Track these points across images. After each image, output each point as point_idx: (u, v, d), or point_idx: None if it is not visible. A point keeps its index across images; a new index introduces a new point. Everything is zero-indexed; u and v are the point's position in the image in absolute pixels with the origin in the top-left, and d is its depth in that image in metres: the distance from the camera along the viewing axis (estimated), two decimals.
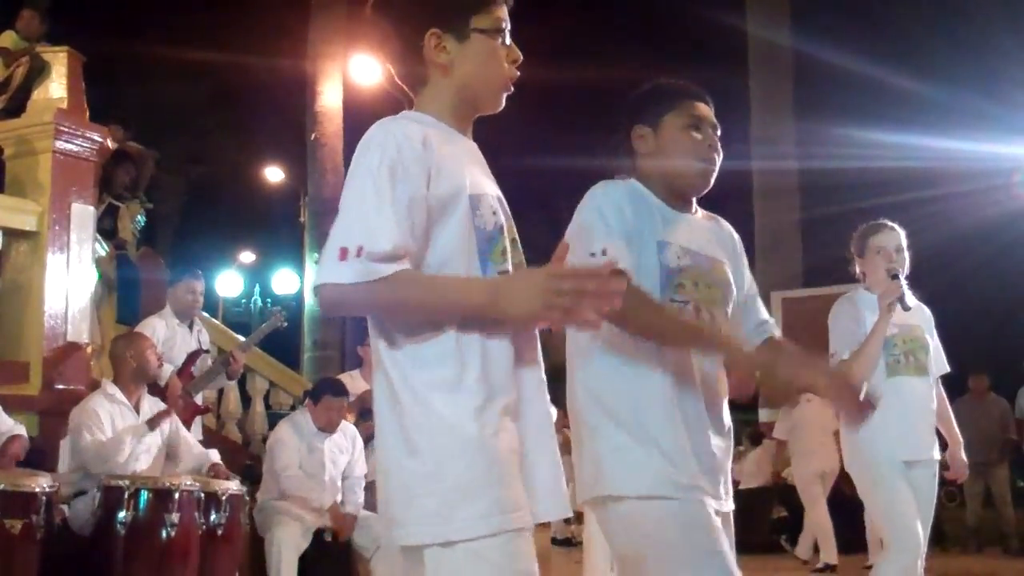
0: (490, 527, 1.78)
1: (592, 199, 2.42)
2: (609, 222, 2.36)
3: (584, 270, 1.84)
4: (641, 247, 2.39)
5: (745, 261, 2.69)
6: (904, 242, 4.13)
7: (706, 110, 2.56)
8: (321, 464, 5.85)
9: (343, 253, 1.78)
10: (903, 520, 3.90)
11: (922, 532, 3.93)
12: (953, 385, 10.25)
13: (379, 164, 1.83)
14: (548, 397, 1.98)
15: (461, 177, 1.89)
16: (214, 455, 5.43)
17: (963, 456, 4.38)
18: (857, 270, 4.24)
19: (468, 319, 1.84)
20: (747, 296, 2.64)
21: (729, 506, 2.46)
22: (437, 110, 1.98)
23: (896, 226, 4.17)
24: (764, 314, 2.68)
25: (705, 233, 2.56)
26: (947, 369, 4.28)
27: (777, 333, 2.63)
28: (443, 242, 1.86)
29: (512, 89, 2.03)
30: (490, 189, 1.97)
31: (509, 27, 2.01)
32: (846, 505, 7.95)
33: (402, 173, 1.82)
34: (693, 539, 2.30)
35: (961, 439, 4.38)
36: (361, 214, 1.81)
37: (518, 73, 2.02)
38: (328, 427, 5.91)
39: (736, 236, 2.69)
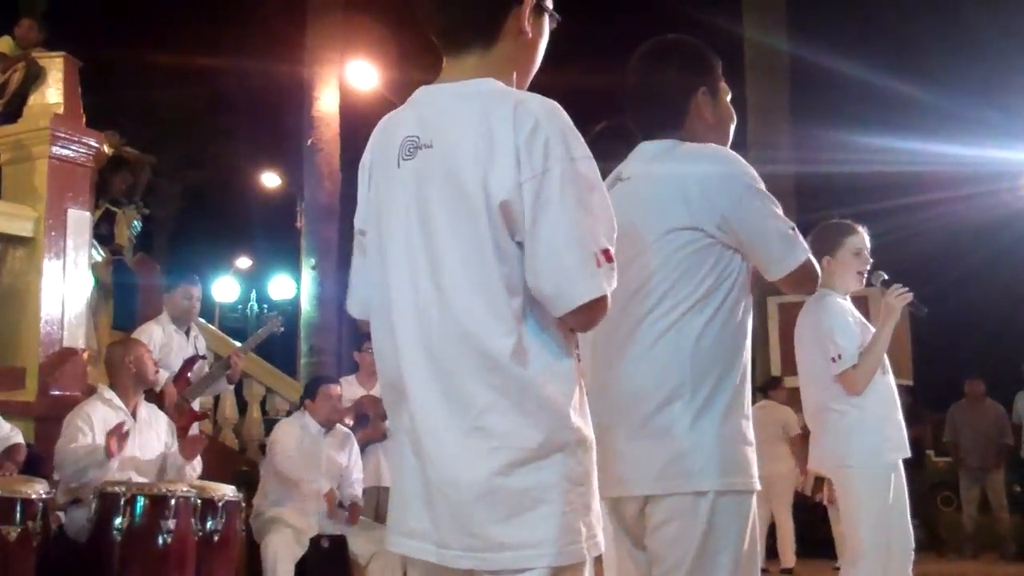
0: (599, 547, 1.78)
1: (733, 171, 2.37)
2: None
3: None
4: None
5: None
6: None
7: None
8: (321, 456, 5.88)
9: (597, 260, 1.71)
10: (884, 529, 3.84)
11: (910, 532, 3.94)
12: (950, 390, 10.28)
13: (588, 152, 1.76)
14: None
15: None
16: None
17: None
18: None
19: None
20: None
21: None
22: (504, 79, 1.85)
23: (861, 226, 4.10)
24: None
25: None
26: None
27: None
28: None
29: None
30: None
31: None
32: (811, 509, 8.03)
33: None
34: (753, 537, 2.33)
35: None
36: (593, 212, 1.73)
37: None
38: (330, 418, 5.94)
39: None
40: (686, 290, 2.29)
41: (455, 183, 1.75)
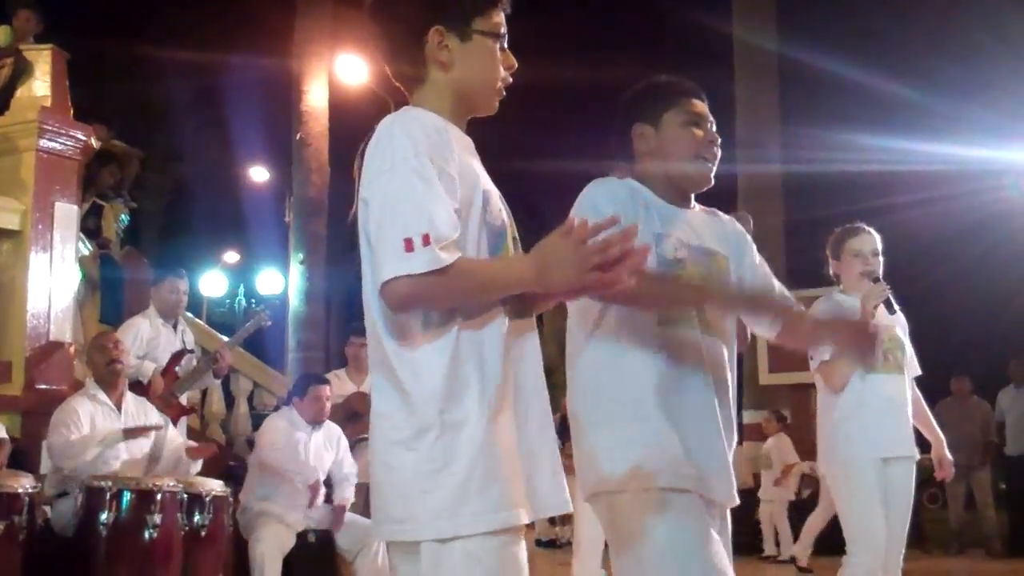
0: (492, 523, 1.78)
1: (589, 193, 2.43)
2: (605, 213, 2.34)
3: (611, 236, 1.82)
4: (638, 240, 2.40)
5: (752, 249, 2.70)
6: (880, 246, 4.14)
7: (703, 107, 2.58)
8: (308, 453, 5.87)
9: (408, 244, 1.76)
10: (869, 522, 3.90)
11: (903, 530, 3.96)
12: (936, 387, 10.34)
13: (416, 153, 1.82)
14: (547, 393, 1.99)
15: (475, 172, 1.93)
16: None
17: (948, 455, 4.40)
18: (831, 272, 4.25)
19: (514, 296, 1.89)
20: (760, 279, 2.66)
21: (735, 501, 2.47)
22: (436, 108, 1.97)
23: (872, 230, 4.16)
24: (782, 292, 2.69)
25: (703, 227, 2.57)
26: (919, 372, 4.30)
27: (800, 308, 2.67)
28: (460, 236, 1.86)
29: (504, 94, 2.06)
30: (493, 187, 2.00)
31: (506, 34, 2.04)
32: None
33: (439, 160, 1.83)
34: (684, 536, 2.31)
35: (943, 438, 4.40)
36: (415, 203, 1.79)
37: (511, 79, 2.05)
38: (317, 417, 5.93)
39: (739, 227, 2.71)
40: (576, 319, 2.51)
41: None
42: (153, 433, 5.29)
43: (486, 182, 1.96)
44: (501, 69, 2.03)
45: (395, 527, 1.84)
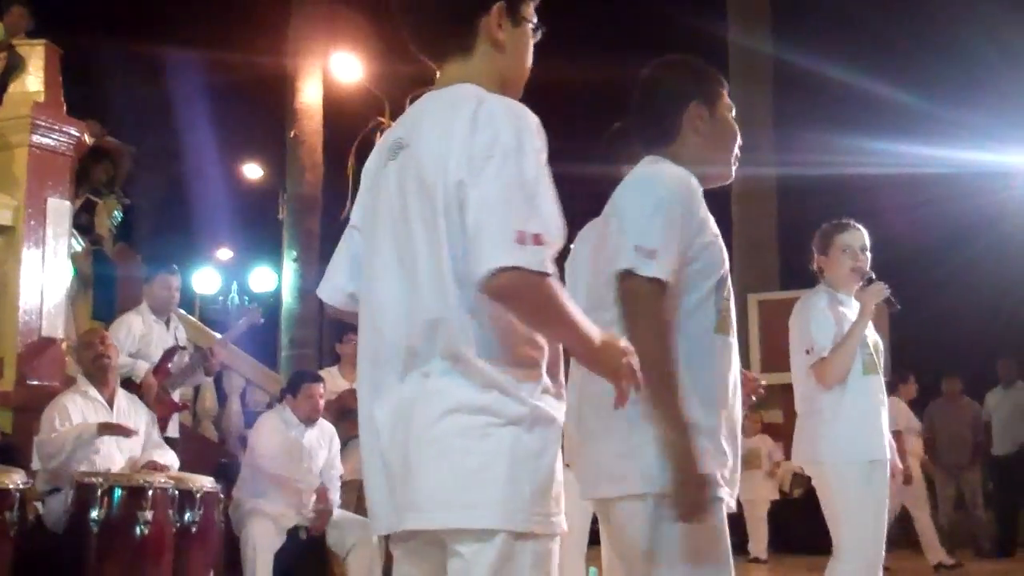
0: (556, 526, 1.79)
1: (650, 188, 2.32)
2: (671, 217, 2.27)
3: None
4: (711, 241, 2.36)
5: None
6: (868, 242, 4.11)
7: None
8: (303, 452, 5.87)
9: (521, 236, 1.67)
10: (862, 523, 3.86)
11: (884, 531, 3.96)
12: (927, 388, 10.36)
13: (539, 150, 1.77)
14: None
15: None
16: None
17: (899, 462, 4.34)
18: (816, 267, 4.22)
19: (568, 348, 1.87)
20: None
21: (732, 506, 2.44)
22: (487, 86, 1.88)
23: (860, 226, 4.13)
24: None
25: None
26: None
27: None
28: None
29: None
30: None
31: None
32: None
33: (546, 166, 1.79)
34: (725, 548, 2.29)
35: (894, 444, 4.36)
36: (534, 198, 1.72)
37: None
38: (311, 416, 5.93)
39: None
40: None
41: (423, 183, 1.81)
42: (142, 433, 5.28)
43: None
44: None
45: (460, 513, 1.76)
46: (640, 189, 2.38)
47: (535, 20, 1.97)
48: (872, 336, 4.10)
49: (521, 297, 1.72)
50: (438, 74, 1.98)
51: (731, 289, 2.44)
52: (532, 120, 1.80)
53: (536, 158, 1.75)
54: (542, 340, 1.84)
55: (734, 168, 2.54)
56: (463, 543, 1.77)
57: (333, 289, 2.10)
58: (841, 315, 4.02)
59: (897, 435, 4.20)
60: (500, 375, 1.77)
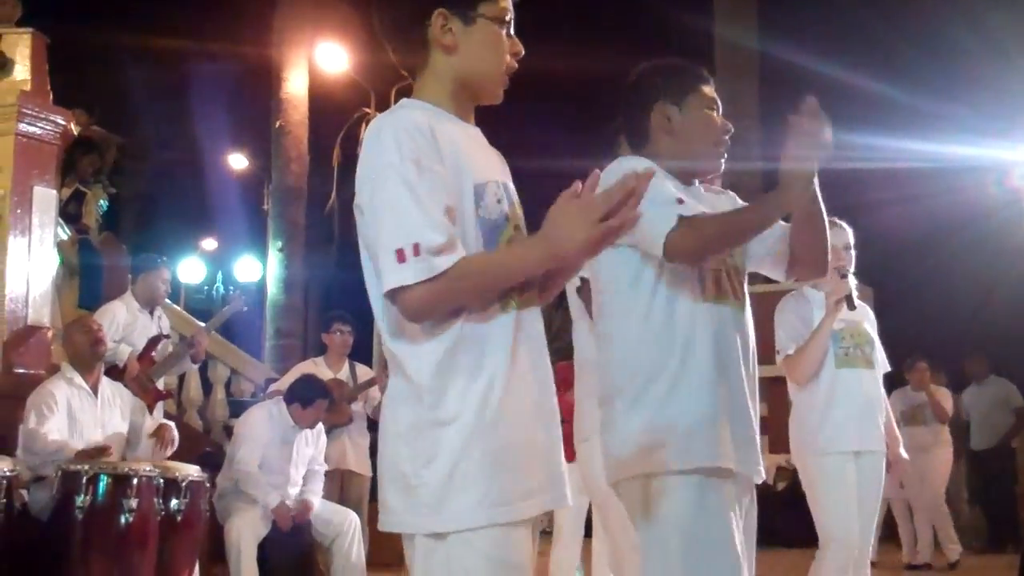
0: (478, 519, 1.78)
1: (619, 169, 2.30)
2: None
3: (611, 187, 1.75)
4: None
5: None
6: (852, 240, 4.14)
7: (714, 93, 2.57)
8: (288, 458, 5.87)
9: (400, 255, 1.77)
10: (844, 514, 3.93)
11: (871, 524, 4.02)
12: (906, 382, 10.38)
13: (401, 159, 1.81)
14: (552, 382, 1.98)
15: (465, 166, 1.89)
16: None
17: (903, 454, 4.40)
18: None
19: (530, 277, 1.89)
20: (776, 242, 2.58)
21: (761, 475, 2.48)
22: (436, 95, 1.97)
23: (845, 224, 4.15)
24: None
25: (712, 202, 2.55)
26: (888, 369, 4.35)
27: None
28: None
29: (508, 83, 2.03)
30: (495, 175, 1.97)
31: (513, 20, 2.01)
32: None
33: (426, 162, 1.82)
34: (720, 525, 2.30)
35: (900, 437, 4.42)
36: (404, 213, 1.79)
37: (516, 66, 2.02)
38: (311, 426, 5.94)
39: (738, 199, 2.68)
40: (616, 301, 2.46)
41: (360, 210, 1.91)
42: (129, 418, 5.31)
43: (482, 173, 1.92)
44: (506, 55, 2.00)
45: (391, 518, 1.86)
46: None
47: (501, 15, 1.98)
48: (859, 329, 4.15)
49: (429, 305, 1.81)
50: None
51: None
52: (400, 125, 1.85)
53: (400, 169, 1.81)
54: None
55: (722, 160, 2.57)
56: None
57: None
58: (809, 313, 4.08)
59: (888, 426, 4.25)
60: (408, 380, 1.87)
